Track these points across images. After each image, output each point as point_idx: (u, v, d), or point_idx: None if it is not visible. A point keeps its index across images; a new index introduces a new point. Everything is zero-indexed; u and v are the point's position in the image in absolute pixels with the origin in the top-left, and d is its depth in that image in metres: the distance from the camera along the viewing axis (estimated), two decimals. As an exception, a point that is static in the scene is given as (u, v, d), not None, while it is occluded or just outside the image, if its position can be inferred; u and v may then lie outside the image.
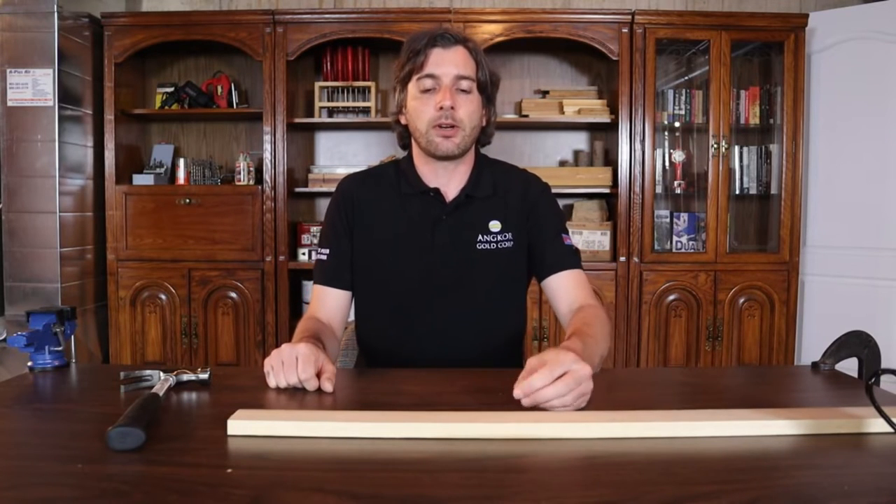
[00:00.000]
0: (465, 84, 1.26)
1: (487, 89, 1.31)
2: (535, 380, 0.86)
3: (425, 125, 1.26)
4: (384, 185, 1.37)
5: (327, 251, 1.36)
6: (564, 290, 1.30)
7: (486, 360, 1.28)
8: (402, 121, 1.34)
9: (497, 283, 1.34)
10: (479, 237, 1.32)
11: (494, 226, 1.33)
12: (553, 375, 0.87)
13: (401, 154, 1.42)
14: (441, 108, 1.24)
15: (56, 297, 2.92)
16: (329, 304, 1.34)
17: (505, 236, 1.33)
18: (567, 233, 1.36)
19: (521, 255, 1.35)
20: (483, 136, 1.37)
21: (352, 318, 1.42)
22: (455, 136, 1.26)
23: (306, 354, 0.99)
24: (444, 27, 1.29)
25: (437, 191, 1.33)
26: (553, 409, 0.87)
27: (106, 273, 3.15)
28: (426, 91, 1.26)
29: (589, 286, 1.33)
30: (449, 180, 1.34)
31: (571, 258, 1.33)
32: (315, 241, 3.16)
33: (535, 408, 0.89)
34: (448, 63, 1.25)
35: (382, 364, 1.34)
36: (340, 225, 1.36)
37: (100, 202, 3.18)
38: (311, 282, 1.39)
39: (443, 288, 1.31)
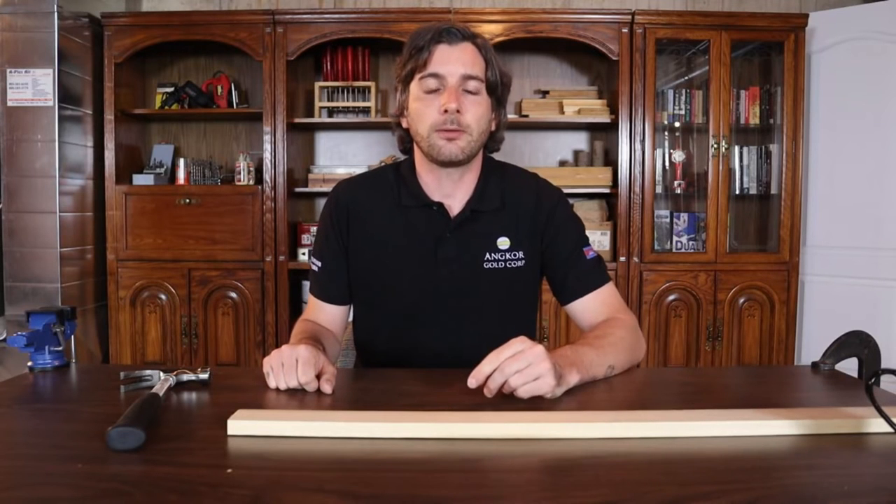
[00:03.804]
0: (472, 85, 1.15)
1: (497, 90, 1.20)
2: (483, 365, 0.90)
3: (427, 129, 1.16)
4: (383, 194, 1.27)
5: (319, 264, 1.29)
6: (590, 312, 1.23)
7: None
8: (404, 124, 1.24)
9: (505, 304, 1.26)
10: (487, 255, 1.22)
11: (503, 243, 1.23)
12: (501, 358, 0.89)
13: (401, 155, 1.34)
14: (445, 111, 1.13)
15: (56, 297, 2.92)
16: (325, 314, 1.30)
17: (515, 254, 1.23)
18: (588, 243, 1.26)
19: (533, 275, 1.26)
20: (491, 143, 1.26)
21: (351, 317, 1.40)
22: (460, 139, 1.15)
23: (307, 357, 0.97)
24: (451, 22, 1.19)
25: (440, 205, 1.23)
26: (514, 391, 0.90)
27: (106, 273, 3.15)
28: (430, 92, 1.15)
29: (616, 298, 1.24)
30: (454, 191, 1.24)
31: (595, 276, 1.24)
32: (315, 241, 3.16)
33: (532, 407, 0.89)
34: (454, 61, 1.14)
35: None
36: (334, 238, 1.28)
37: (100, 202, 3.18)
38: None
39: (446, 308, 1.24)
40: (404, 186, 1.26)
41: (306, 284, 3.25)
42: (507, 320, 1.26)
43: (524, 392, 0.90)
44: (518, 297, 1.28)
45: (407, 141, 1.27)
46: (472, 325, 1.24)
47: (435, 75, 1.15)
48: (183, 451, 0.74)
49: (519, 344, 0.91)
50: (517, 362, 0.89)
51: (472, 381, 0.90)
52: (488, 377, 0.90)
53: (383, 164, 2.83)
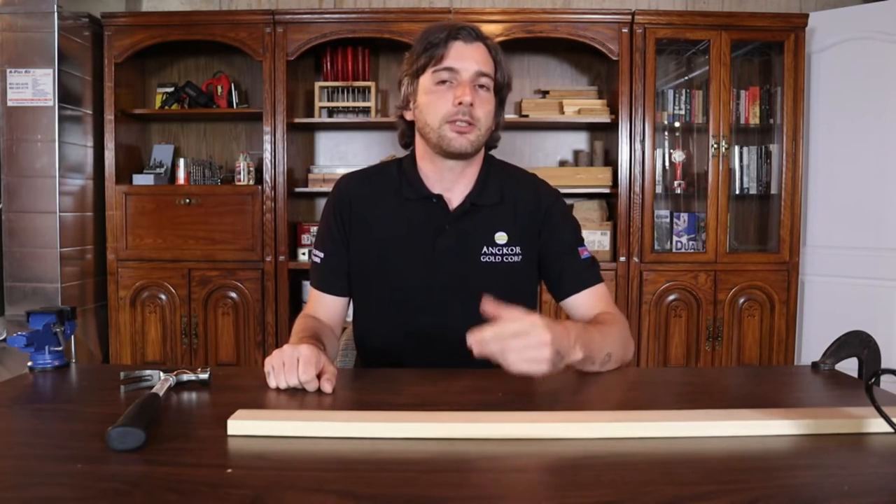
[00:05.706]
0: (484, 81, 1.20)
1: (502, 91, 1.26)
2: (485, 331, 0.90)
3: (439, 120, 1.19)
4: (385, 187, 1.30)
5: (322, 255, 1.32)
6: (584, 308, 1.26)
7: None
8: (408, 116, 1.27)
9: (502, 299, 1.26)
10: (484, 249, 1.25)
11: (501, 237, 1.26)
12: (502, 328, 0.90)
13: (401, 153, 1.36)
14: (460, 103, 1.17)
15: (56, 297, 2.92)
16: (325, 307, 1.32)
17: (512, 249, 1.26)
18: (583, 243, 1.30)
19: (530, 270, 1.29)
20: (490, 140, 1.30)
21: (350, 317, 1.40)
22: (470, 133, 1.19)
23: (308, 356, 0.97)
24: (463, 22, 1.25)
25: (440, 197, 1.26)
26: (509, 362, 0.89)
27: (106, 273, 3.15)
28: (442, 84, 1.19)
29: (609, 298, 1.28)
30: (454, 184, 1.27)
31: (590, 274, 1.27)
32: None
33: (532, 407, 0.89)
34: (468, 58, 1.19)
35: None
36: (336, 229, 1.30)
37: (100, 202, 3.18)
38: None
39: (444, 300, 1.25)
40: (405, 179, 1.29)
41: (306, 284, 3.26)
42: None
43: (517, 362, 0.90)
44: (515, 292, 1.27)
45: (408, 135, 1.30)
46: (469, 320, 1.24)
47: (450, 69, 1.19)
48: (183, 451, 0.74)
49: (520, 314, 0.92)
50: (516, 327, 0.90)
51: (471, 339, 0.90)
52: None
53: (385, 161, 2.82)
